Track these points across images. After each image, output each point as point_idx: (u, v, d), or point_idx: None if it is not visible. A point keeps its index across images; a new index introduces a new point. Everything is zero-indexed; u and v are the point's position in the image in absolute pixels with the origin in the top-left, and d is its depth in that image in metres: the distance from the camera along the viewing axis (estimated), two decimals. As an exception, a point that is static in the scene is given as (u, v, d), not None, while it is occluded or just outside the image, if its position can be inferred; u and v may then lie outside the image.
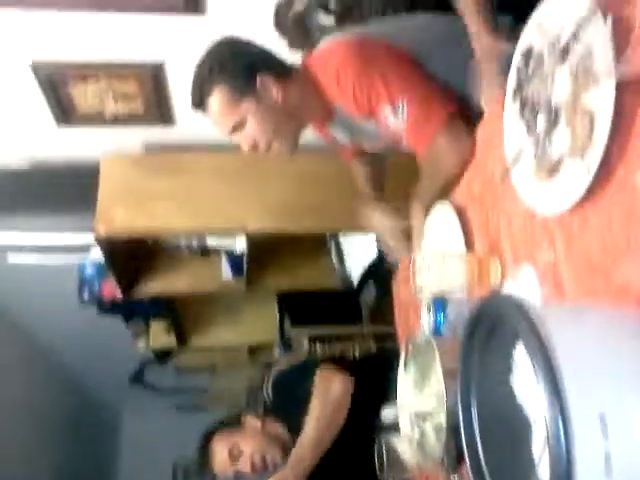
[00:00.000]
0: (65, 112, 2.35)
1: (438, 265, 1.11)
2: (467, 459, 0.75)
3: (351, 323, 2.64)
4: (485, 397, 0.75)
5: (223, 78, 1.37)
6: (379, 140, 1.53)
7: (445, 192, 1.29)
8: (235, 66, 1.39)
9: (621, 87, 0.70)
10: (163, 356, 3.51)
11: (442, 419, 0.98)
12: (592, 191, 0.77)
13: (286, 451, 1.80)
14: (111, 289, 2.64)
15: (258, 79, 1.39)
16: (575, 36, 0.77)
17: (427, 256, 1.19)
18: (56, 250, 2.53)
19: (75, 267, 2.69)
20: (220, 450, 1.86)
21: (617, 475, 0.51)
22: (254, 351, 3.55)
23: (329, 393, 1.76)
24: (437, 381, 1.04)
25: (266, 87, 1.40)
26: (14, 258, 2.59)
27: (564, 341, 0.52)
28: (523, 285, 0.92)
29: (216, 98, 1.39)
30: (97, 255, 2.49)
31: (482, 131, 1.18)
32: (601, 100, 0.73)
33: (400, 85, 1.28)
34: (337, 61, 1.34)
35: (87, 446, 4.52)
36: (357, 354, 2.50)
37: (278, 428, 1.90)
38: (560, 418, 0.50)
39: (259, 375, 3.07)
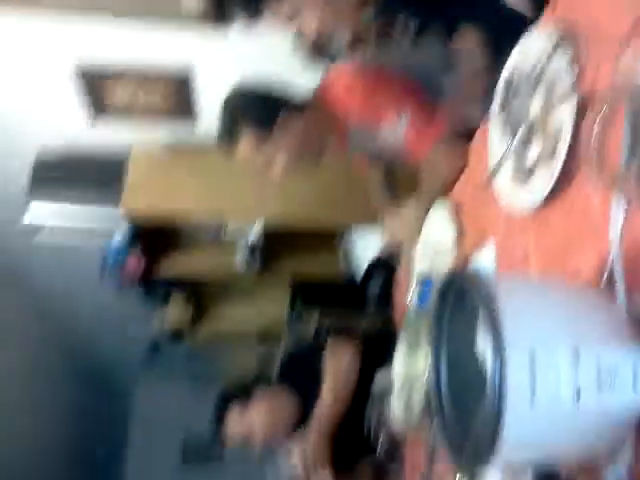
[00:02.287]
0: (99, 107, 2.56)
1: (431, 254, 1.28)
2: (435, 415, 0.87)
3: (357, 313, 2.79)
4: (454, 360, 0.89)
5: (248, 121, 1.55)
6: (389, 150, 1.71)
7: (442, 193, 1.47)
8: (258, 107, 1.57)
9: (580, 109, 0.87)
10: (178, 335, 3.68)
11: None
12: (556, 192, 0.94)
13: (297, 423, 1.93)
14: (133, 266, 2.82)
15: (281, 115, 1.56)
16: (544, 67, 0.94)
17: (423, 246, 1.37)
18: (85, 232, 2.72)
19: (101, 247, 2.87)
20: (232, 425, 1.98)
21: (538, 407, 0.67)
22: (265, 338, 3.71)
23: (341, 362, 1.91)
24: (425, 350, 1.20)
25: (289, 121, 1.57)
26: (45, 237, 2.76)
27: (507, 297, 0.68)
28: (485, 261, 1.09)
29: (245, 142, 1.57)
30: (122, 234, 2.67)
31: (475, 141, 1.35)
32: (563, 119, 0.90)
33: (401, 98, 1.47)
34: (345, 81, 1.53)
35: (98, 418, 4.67)
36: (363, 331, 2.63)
37: (288, 401, 2.00)
38: (498, 357, 0.66)
39: (269, 352, 3.24)
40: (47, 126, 2.64)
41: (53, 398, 4.13)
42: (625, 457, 0.66)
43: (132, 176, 2.57)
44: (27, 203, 2.64)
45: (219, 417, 2.01)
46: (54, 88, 2.51)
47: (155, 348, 4.00)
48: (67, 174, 2.68)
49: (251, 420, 1.95)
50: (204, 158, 2.58)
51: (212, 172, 2.54)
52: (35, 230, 2.74)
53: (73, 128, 2.66)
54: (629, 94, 0.61)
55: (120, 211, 2.51)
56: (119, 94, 2.53)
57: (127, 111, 2.60)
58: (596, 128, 0.63)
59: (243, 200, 2.53)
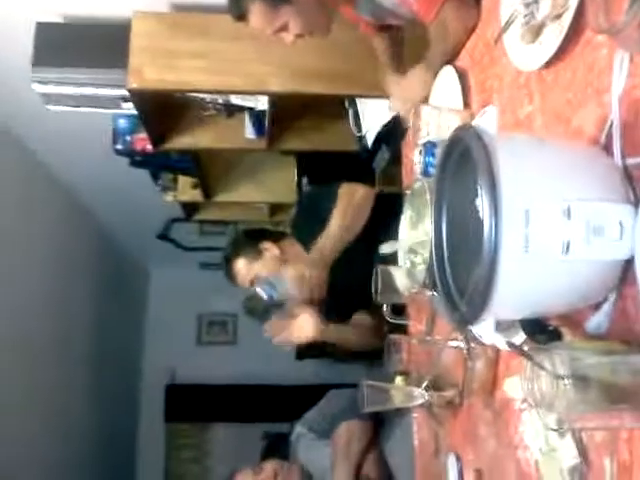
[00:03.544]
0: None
1: (436, 118, 1.27)
2: (435, 270, 0.91)
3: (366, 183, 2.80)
4: (456, 219, 0.90)
5: None
6: (398, 13, 1.63)
7: (452, 55, 1.42)
8: None
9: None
10: (189, 210, 3.75)
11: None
12: (564, 49, 0.91)
13: None
14: (143, 142, 2.81)
15: None
16: None
17: (430, 110, 1.35)
18: (90, 101, 2.68)
19: (109, 119, 2.85)
20: (241, 275, 2.01)
21: (530, 259, 0.69)
22: (275, 211, 3.77)
23: (353, 197, 1.95)
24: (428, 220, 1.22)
25: None
26: (52, 107, 2.73)
27: (506, 153, 0.69)
28: (487, 119, 1.08)
29: (255, 13, 1.52)
30: (129, 108, 2.64)
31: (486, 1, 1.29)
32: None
33: None
34: None
35: (118, 297, 4.89)
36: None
37: (297, 249, 2.03)
38: (493, 212, 0.68)
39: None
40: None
41: (84, 273, 4.29)
42: (609, 302, 0.69)
43: (134, 50, 2.48)
44: (34, 71, 2.58)
45: (228, 259, 2.03)
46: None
47: (167, 229, 4.09)
48: (70, 40, 2.60)
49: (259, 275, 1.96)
50: (208, 26, 2.48)
51: (217, 40, 2.45)
52: (44, 98, 2.70)
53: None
54: None
55: (126, 77, 2.45)
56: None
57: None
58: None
59: (250, 68, 2.46)
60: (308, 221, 2.07)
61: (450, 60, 1.42)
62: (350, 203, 1.95)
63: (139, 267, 5.60)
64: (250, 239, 2.10)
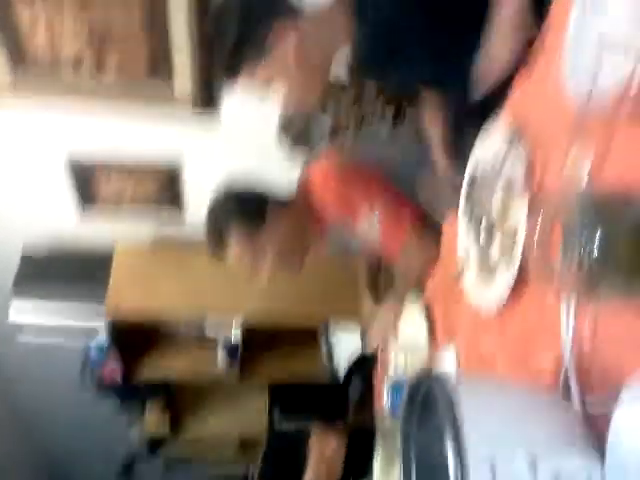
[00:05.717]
0: (87, 199, 2.60)
1: (403, 356, 1.26)
2: None
3: (338, 416, 2.71)
4: (424, 462, 0.86)
5: (237, 221, 1.57)
6: (367, 246, 1.73)
7: (418, 287, 1.47)
8: (246, 208, 1.59)
9: (531, 208, 0.88)
10: (155, 445, 3.53)
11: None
12: (517, 291, 0.93)
13: None
14: (112, 371, 2.75)
15: (268, 214, 1.59)
16: (501, 165, 0.97)
17: (397, 346, 1.35)
18: (65, 332, 2.67)
19: (83, 347, 2.81)
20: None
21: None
22: (245, 445, 3.57)
23: (326, 449, 1.89)
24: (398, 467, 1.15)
25: (275, 219, 1.60)
26: (23, 338, 2.71)
27: (468, 404, 0.66)
28: (449, 363, 1.07)
29: (234, 243, 1.59)
30: (102, 338, 2.63)
31: (445, 235, 1.37)
32: (519, 218, 0.91)
33: (374, 194, 1.50)
34: (320, 178, 1.57)
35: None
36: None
37: None
38: (459, 467, 0.64)
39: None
40: (35, 219, 2.66)
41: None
42: None
43: (116, 273, 2.57)
44: (12, 300, 2.61)
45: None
46: (42, 180, 2.54)
47: (131, 464, 3.81)
48: (52, 271, 2.68)
49: None
50: (187, 254, 2.59)
51: (195, 269, 2.54)
52: (19, 328, 2.69)
53: (61, 220, 2.67)
54: (566, 196, 0.62)
55: (104, 309, 2.48)
56: (108, 186, 2.57)
57: (116, 202, 2.64)
58: (540, 230, 0.63)
59: (224, 297, 2.52)
60: (279, 464, 2.01)
61: (418, 289, 1.48)
62: (322, 458, 1.89)
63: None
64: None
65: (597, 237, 0.58)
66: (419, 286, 1.45)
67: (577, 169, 0.67)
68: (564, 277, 0.60)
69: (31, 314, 2.63)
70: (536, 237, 0.68)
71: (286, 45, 1.26)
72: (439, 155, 1.49)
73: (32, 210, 2.64)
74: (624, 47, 0.50)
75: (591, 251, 0.56)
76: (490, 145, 1.03)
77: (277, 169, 1.90)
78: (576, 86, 0.67)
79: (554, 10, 0.93)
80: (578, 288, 0.57)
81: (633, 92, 0.52)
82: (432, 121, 1.52)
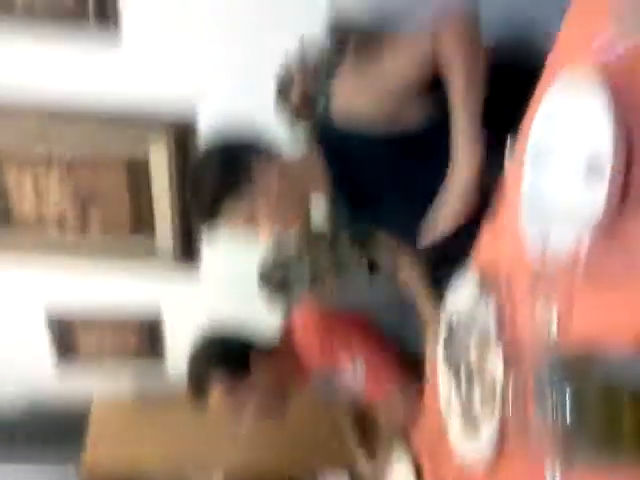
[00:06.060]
0: (66, 353, 2.56)
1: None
2: None
3: None
4: None
5: (220, 370, 1.56)
6: (350, 394, 1.70)
7: (403, 437, 1.43)
8: (229, 356, 1.59)
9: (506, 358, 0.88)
10: None
11: None
12: (499, 448, 0.90)
13: None
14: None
15: (251, 362, 1.58)
16: (474, 313, 0.98)
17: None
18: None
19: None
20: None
21: None
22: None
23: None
24: None
25: (258, 368, 1.58)
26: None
27: None
28: None
29: (217, 388, 1.56)
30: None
31: (428, 385, 1.35)
32: (496, 368, 0.90)
33: (355, 343, 1.50)
34: (302, 327, 1.58)
35: None
36: None
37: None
38: None
39: None
40: (12, 373, 2.60)
41: None
42: None
43: (93, 430, 2.49)
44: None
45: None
46: (20, 336, 2.51)
47: None
48: (25, 433, 2.58)
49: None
50: (168, 409, 2.51)
51: (175, 423, 2.46)
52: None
53: (38, 376, 2.61)
54: (535, 352, 0.62)
55: (79, 470, 2.38)
56: (88, 340, 2.54)
57: (95, 356, 2.60)
58: (513, 385, 0.63)
59: (206, 452, 2.42)
60: None
61: (403, 439, 1.43)
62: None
63: None
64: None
65: (567, 396, 0.57)
66: (405, 438, 1.41)
67: (543, 325, 0.68)
68: (540, 437, 0.59)
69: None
70: (510, 393, 0.68)
71: (269, 178, 1.31)
72: (422, 304, 1.51)
73: (8, 369, 2.58)
74: (569, 216, 0.53)
75: (564, 414, 0.55)
76: (462, 294, 1.05)
77: (258, 316, 1.90)
78: (532, 245, 0.70)
79: (510, 167, 0.98)
80: (554, 452, 0.56)
81: (582, 257, 0.54)
82: (407, 270, 1.55)
